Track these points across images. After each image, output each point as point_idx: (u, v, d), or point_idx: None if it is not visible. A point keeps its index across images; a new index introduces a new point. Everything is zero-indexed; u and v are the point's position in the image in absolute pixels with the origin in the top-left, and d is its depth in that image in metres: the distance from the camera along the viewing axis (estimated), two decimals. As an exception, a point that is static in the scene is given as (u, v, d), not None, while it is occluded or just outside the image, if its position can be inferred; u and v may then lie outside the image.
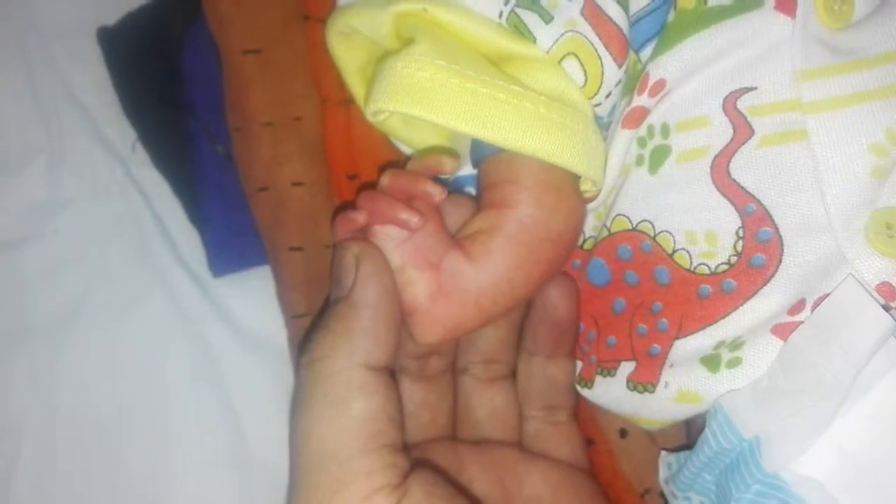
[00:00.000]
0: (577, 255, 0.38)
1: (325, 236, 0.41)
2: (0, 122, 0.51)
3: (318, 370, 0.31)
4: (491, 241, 0.34)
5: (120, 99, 0.50)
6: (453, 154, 0.36)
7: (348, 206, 0.35)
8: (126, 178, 0.50)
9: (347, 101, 0.41)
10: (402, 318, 0.33)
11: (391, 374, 0.32)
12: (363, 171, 0.41)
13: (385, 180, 0.35)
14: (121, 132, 0.51)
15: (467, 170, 0.38)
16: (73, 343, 0.48)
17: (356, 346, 0.31)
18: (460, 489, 0.33)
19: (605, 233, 0.37)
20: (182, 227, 0.49)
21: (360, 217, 0.34)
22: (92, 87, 0.51)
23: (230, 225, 0.46)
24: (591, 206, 0.37)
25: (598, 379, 0.37)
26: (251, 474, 0.45)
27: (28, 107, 0.51)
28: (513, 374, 0.39)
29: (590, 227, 0.38)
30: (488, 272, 0.34)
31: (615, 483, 0.39)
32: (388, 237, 0.34)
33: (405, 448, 0.31)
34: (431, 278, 0.33)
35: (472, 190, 0.39)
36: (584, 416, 0.40)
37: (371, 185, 0.36)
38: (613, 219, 0.36)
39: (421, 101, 0.32)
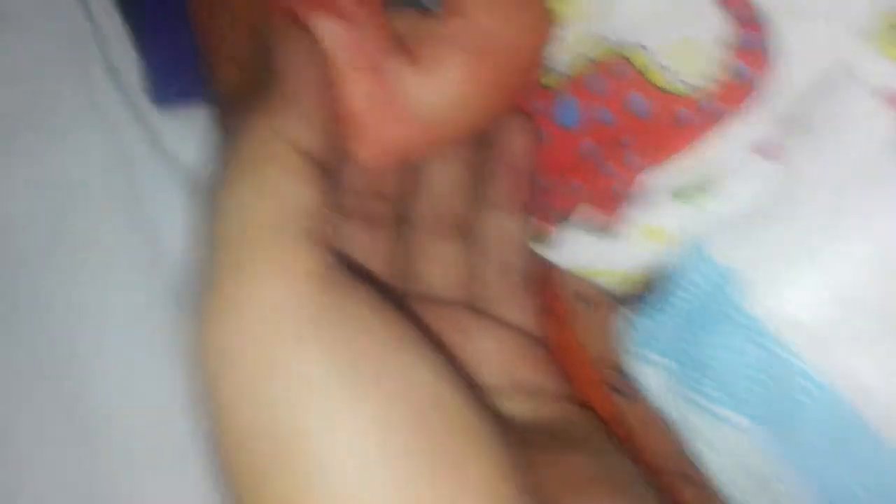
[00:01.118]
0: (541, 96, 0.34)
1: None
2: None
3: (243, 143, 0.25)
4: (441, 48, 0.29)
5: None
6: None
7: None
8: (72, -7, 0.45)
9: None
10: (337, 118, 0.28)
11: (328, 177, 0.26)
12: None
13: None
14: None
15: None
16: (4, 166, 0.44)
17: (287, 124, 0.26)
18: None
19: (585, 63, 0.32)
20: (126, 51, 0.44)
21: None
22: None
23: (179, 46, 0.41)
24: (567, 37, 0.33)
25: (555, 231, 0.33)
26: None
27: None
28: (464, 230, 0.35)
29: (564, 63, 0.33)
30: (438, 83, 0.29)
31: (569, 352, 0.35)
32: (323, 28, 0.29)
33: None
34: (370, 80, 0.29)
35: None
36: (539, 281, 0.35)
37: None
38: (599, 47, 0.31)
39: None
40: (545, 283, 0.36)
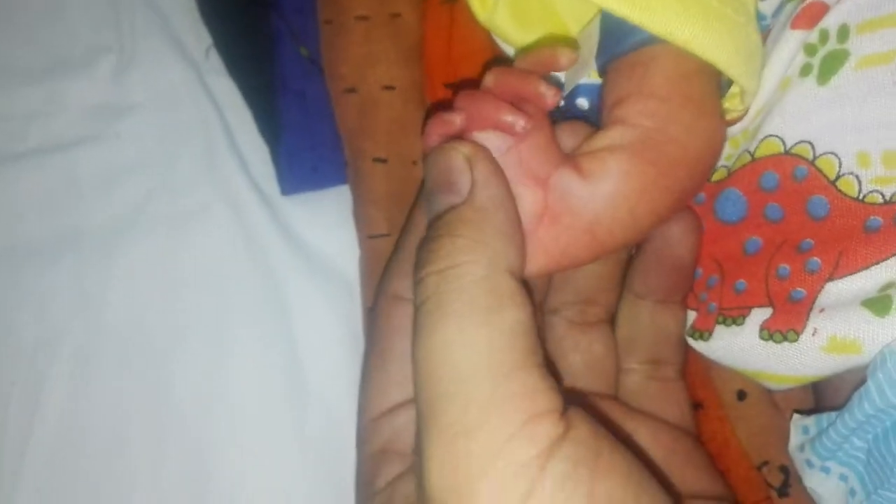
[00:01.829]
0: (703, 188, 0.33)
1: (414, 150, 0.37)
2: (70, 19, 0.48)
3: (455, 277, 0.25)
4: (611, 158, 0.28)
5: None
6: (571, 45, 0.31)
7: (443, 106, 0.30)
8: (198, 84, 0.46)
9: (451, 0, 0.37)
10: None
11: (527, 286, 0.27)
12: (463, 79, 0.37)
13: (489, 79, 0.29)
14: (196, 37, 0.47)
15: (585, 78, 0.33)
16: (126, 256, 0.44)
17: (497, 250, 0.26)
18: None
19: (747, 158, 0.31)
20: (252, 142, 0.45)
21: (456, 119, 0.29)
22: (169, -13, 0.47)
23: (306, 136, 0.42)
24: (730, 130, 0.32)
25: (720, 329, 0.32)
26: (307, 408, 0.40)
27: (101, 4, 0.48)
28: (611, 320, 0.34)
29: (723, 154, 0.33)
30: (607, 194, 0.28)
31: (726, 453, 0.34)
32: (489, 145, 0.28)
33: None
34: (538, 196, 0.28)
35: (585, 103, 0.34)
36: (693, 375, 0.35)
37: (471, 85, 0.31)
38: (761, 141, 0.31)
39: None
40: (700, 378, 0.35)
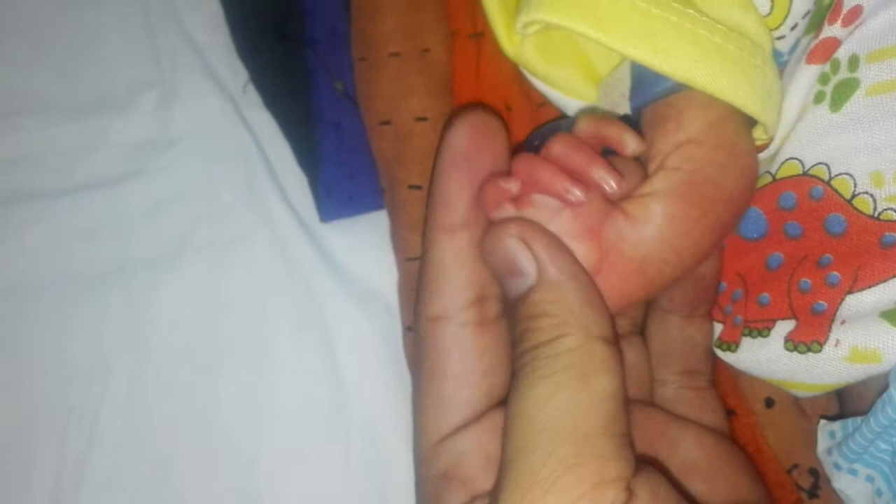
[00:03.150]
0: None
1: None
2: (111, 57, 0.51)
3: (552, 347, 0.27)
4: (656, 203, 0.30)
5: (233, 37, 0.49)
6: (637, 137, 0.31)
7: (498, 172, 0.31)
8: (236, 117, 0.48)
9: (479, 35, 0.39)
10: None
11: (620, 348, 0.28)
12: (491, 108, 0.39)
13: (556, 148, 0.31)
14: (233, 72, 0.49)
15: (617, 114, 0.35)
16: (172, 283, 0.46)
17: (587, 318, 0.27)
18: (684, 494, 0.30)
19: (769, 179, 0.33)
20: (290, 170, 0.47)
21: (513, 188, 0.30)
22: (205, 25, 0.50)
23: (343, 166, 0.44)
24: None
25: (746, 341, 0.34)
26: (350, 428, 0.42)
27: (140, 42, 0.50)
28: (640, 332, 0.36)
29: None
30: (655, 238, 0.29)
31: (759, 458, 0.35)
32: (544, 206, 0.30)
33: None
34: (594, 248, 0.30)
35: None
36: (723, 384, 0.36)
37: (524, 147, 0.33)
38: (782, 164, 0.33)
39: (586, 17, 0.29)
40: (730, 387, 0.37)
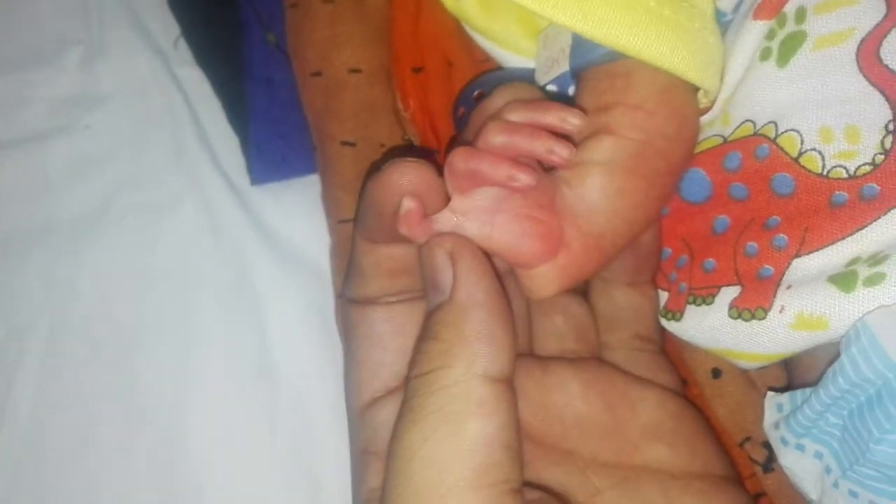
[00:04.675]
0: None
1: (382, 133, 0.36)
2: (36, 11, 0.48)
3: (429, 382, 0.25)
4: (610, 178, 0.28)
5: (165, -12, 0.46)
6: (577, 112, 0.29)
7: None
8: (166, 75, 0.46)
9: (419, -16, 0.36)
10: (511, 316, 0.27)
11: (512, 388, 0.26)
12: (430, 63, 0.37)
13: (494, 138, 0.28)
14: (164, 27, 0.47)
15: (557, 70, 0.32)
16: (96, 247, 0.43)
17: (474, 353, 0.25)
18: None
19: (719, 141, 0.31)
20: (222, 132, 0.45)
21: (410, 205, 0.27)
22: (137, -22, 0.47)
23: (275, 125, 0.41)
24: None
25: (690, 309, 0.32)
26: (278, 397, 0.40)
27: (68, -5, 0.47)
28: (584, 294, 0.34)
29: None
30: (607, 211, 0.28)
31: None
32: (487, 197, 0.27)
33: (521, 490, 0.25)
34: (551, 224, 0.28)
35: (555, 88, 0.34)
36: (669, 354, 0.34)
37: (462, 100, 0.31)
38: (737, 127, 0.31)
39: None
40: (676, 357, 0.35)
